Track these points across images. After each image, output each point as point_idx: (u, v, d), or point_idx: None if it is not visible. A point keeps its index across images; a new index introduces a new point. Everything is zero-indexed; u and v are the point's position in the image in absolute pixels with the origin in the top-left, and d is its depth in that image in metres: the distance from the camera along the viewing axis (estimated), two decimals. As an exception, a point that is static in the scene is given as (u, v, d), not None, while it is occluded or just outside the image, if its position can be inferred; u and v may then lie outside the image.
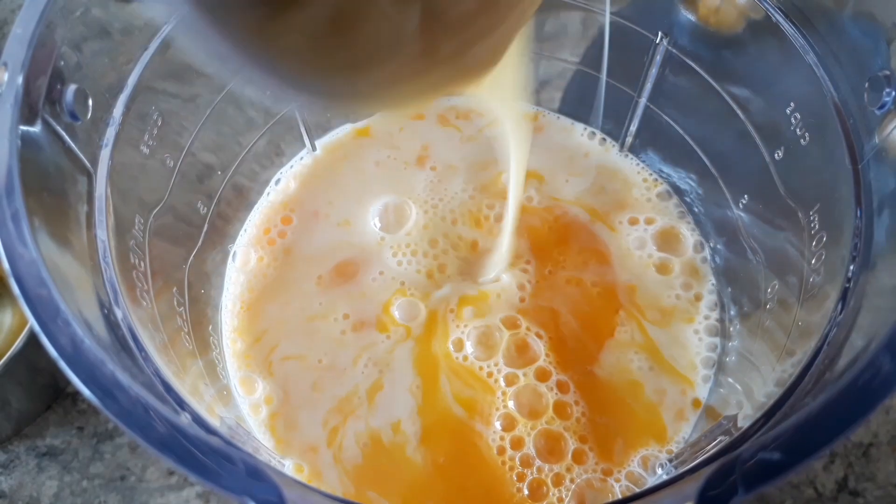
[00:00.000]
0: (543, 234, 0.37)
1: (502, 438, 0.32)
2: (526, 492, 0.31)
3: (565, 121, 0.41)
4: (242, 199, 0.38)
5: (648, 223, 0.38)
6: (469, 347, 0.34)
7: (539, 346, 0.34)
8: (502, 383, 0.33)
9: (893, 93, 0.23)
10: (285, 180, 0.39)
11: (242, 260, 0.37)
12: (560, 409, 0.32)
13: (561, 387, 0.33)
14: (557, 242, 0.37)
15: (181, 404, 0.22)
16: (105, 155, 0.26)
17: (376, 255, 0.37)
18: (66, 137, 0.23)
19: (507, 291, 0.36)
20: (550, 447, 0.32)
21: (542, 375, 0.33)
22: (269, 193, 0.39)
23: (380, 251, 0.37)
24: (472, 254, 0.37)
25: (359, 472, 0.32)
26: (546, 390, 0.33)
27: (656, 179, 0.39)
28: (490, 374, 0.33)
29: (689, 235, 0.37)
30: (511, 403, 0.33)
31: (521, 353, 0.34)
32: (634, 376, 0.34)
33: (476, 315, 0.35)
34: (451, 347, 0.34)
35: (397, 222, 0.38)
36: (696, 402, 0.33)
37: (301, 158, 0.40)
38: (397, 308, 0.35)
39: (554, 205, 0.38)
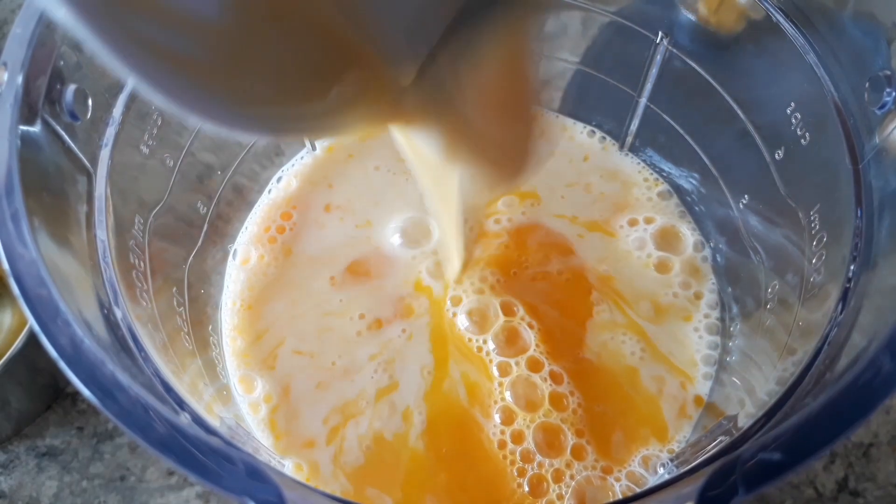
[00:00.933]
0: (504, 245, 0.37)
1: (503, 432, 0.32)
2: (526, 488, 0.31)
3: (565, 120, 0.41)
4: (242, 198, 0.38)
5: (648, 222, 0.38)
6: (464, 320, 0.35)
7: (529, 336, 0.34)
8: (496, 372, 0.33)
9: (894, 93, 0.23)
10: (286, 178, 0.39)
11: (243, 258, 0.37)
12: (556, 401, 0.33)
13: (554, 377, 0.33)
14: (517, 246, 0.37)
15: (181, 404, 0.22)
16: (105, 155, 0.26)
17: (400, 257, 0.37)
18: (66, 137, 0.23)
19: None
20: (549, 441, 0.32)
21: (535, 366, 0.33)
22: (270, 191, 0.39)
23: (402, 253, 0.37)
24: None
25: (358, 470, 0.32)
26: (540, 381, 0.33)
27: (657, 179, 0.39)
28: (480, 349, 0.34)
29: (689, 234, 0.37)
30: (508, 395, 0.33)
31: (510, 343, 0.34)
32: (627, 361, 0.34)
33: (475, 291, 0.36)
34: (448, 302, 0.35)
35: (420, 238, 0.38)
36: (697, 400, 0.33)
37: (301, 158, 0.40)
38: (428, 274, 0.36)
39: (538, 221, 0.38)
